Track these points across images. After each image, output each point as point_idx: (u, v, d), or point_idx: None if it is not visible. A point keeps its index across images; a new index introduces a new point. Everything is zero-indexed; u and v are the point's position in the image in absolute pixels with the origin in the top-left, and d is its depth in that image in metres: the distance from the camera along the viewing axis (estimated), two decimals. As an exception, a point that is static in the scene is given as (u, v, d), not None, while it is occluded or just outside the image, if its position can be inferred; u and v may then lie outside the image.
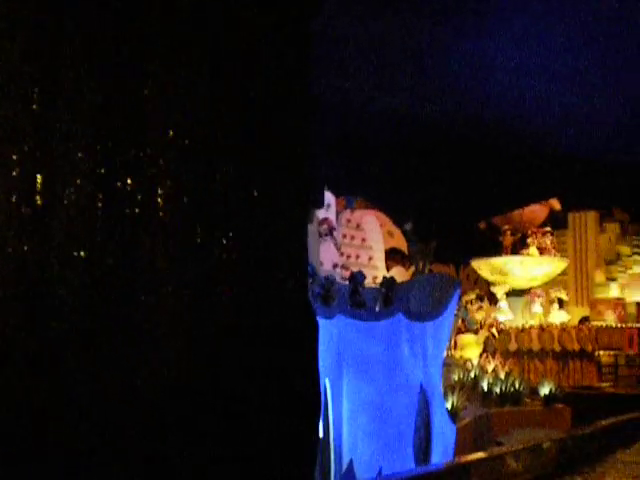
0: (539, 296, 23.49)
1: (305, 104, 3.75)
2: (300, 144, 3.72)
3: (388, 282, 8.38)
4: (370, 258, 18.78)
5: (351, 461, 7.68)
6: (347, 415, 7.77)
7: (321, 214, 14.66)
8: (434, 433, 8.76)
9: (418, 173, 26.12)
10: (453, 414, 12.15)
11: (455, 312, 19.07)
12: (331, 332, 7.65)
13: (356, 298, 7.94)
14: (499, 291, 22.95)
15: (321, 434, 7.15)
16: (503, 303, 22.66)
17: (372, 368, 8.00)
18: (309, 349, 3.46)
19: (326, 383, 7.24)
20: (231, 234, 3.31)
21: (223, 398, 3.14)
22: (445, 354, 18.02)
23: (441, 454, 8.91)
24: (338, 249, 15.34)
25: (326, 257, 14.07)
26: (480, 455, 7.06)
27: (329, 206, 15.50)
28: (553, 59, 23.73)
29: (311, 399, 3.42)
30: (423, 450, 8.71)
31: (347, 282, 9.23)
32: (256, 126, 3.46)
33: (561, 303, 23.93)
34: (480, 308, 21.56)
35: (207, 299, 3.17)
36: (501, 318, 22.16)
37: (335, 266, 14.49)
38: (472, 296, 22.25)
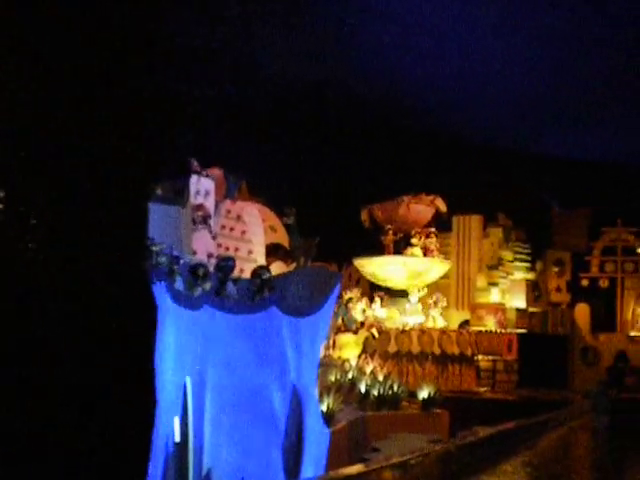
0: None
1: (139, 62, 3.20)
2: (137, 107, 3.15)
3: (262, 272, 7.75)
4: (250, 252, 18.08)
5: (212, 468, 7.02)
6: (210, 417, 7.09)
7: (197, 200, 13.95)
8: (307, 437, 8.17)
9: (304, 160, 25.65)
10: (328, 417, 11.65)
11: (335, 310, 18.68)
12: (196, 325, 6.97)
13: (225, 288, 7.28)
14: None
15: (178, 437, 6.46)
16: (411, 304, 22.39)
17: (240, 366, 7.33)
18: (143, 336, 2.90)
19: (187, 381, 6.56)
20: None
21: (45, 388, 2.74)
22: (322, 353, 17.58)
23: (314, 460, 8.35)
24: (214, 239, 14.66)
25: (200, 246, 13.34)
26: (358, 469, 6.51)
27: (208, 194, 14.79)
28: (451, 40, 23.38)
29: (145, 392, 2.96)
30: (294, 456, 8.10)
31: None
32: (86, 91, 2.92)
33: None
34: (365, 309, 21.27)
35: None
36: (410, 320, 21.95)
37: (210, 256, 13.78)
38: (353, 295, 21.96)
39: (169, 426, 6.33)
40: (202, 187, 14.79)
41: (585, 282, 30.61)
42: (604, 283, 30.47)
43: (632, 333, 28.96)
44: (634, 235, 30.36)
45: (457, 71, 25.39)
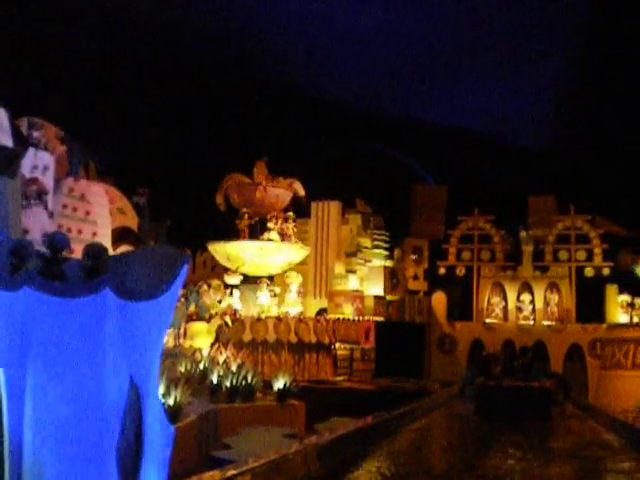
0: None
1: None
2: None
3: (94, 251, 6.89)
4: (94, 234, 17.06)
5: (34, 474, 6.16)
6: (31, 416, 6.20)
7: (34, 174, 12.84)
8: (147, 436, 7.36)
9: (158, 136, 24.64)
10: (175, 412, 10.91)
11: (186, 297, 17.90)
12: (14, 309, 6.06)
13: (53, 268, 6.40)
14: (230, 278, 21.96)
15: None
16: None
17: (67, 356, 6.46)
18: None
19: (0, 374, 5.69)
20: None
21: None
22: (172, 343, 16.77)
23: (155, 461, 7.56)
24: (51, 217, 13.58)
25: (34, 225, 12.29)
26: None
27: (46, 169, 13.68)
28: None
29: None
30: (132, 457, 7.27)
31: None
32: None
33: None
34: (220, 298, 20.52)
35: None
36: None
37: (46, 236, 12.70)
38: (209, 282, 21.20)
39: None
40: (40, 161, 13.68)
41: (442, 270, 30.94)
42: (461, 271, 30.88)
43: (487, 321, 29.46)
44: (490, 223, 30.87)
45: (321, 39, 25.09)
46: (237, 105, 28.06)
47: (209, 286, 21.11)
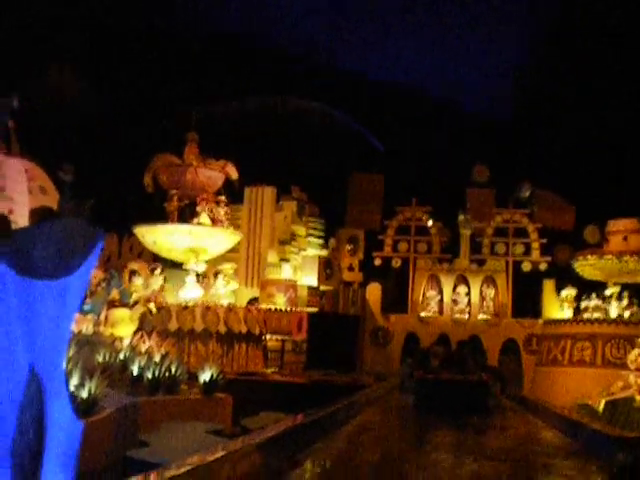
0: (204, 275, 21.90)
1: None
2: None
3: (-6, 220, 6.04)
4: (10, 211, 16.01)
5: None
6: None
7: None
8: (49, 433, 6.49)
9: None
10: (89, 405, 10.03)
11: (109, 281, 16.94)
12: None
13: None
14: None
15: None
16: (156, 279, 20.66)
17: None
18: None
19: None
20: None
21: None
22: (90, 330, 15.80)
23: (59, 460, 6.71)
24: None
25: None
26: None
27: (-46, 138, 12.63)
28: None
29: None
30: (31, 457, 6.39)
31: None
32: None
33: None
34: (145, 283, 19.65)
35: None
36: (188, 295, 20.31)
37: None
38: (135, 267, 20.30)
39: None
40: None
41: (378, 261, 30.47)
42: (397, 263, 30.45)
43: (422, 314, 29.07)
44: (428, 214, 30.48)
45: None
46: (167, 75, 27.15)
47: (142, 272, 20.19)
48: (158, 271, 20.30)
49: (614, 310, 25.00)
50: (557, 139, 32.50)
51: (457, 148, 32.46)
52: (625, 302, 25.07)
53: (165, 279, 20.99)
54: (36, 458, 6.39)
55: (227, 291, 22.04)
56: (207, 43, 29.42)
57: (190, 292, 21.06)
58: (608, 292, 25.46)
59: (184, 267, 22.04)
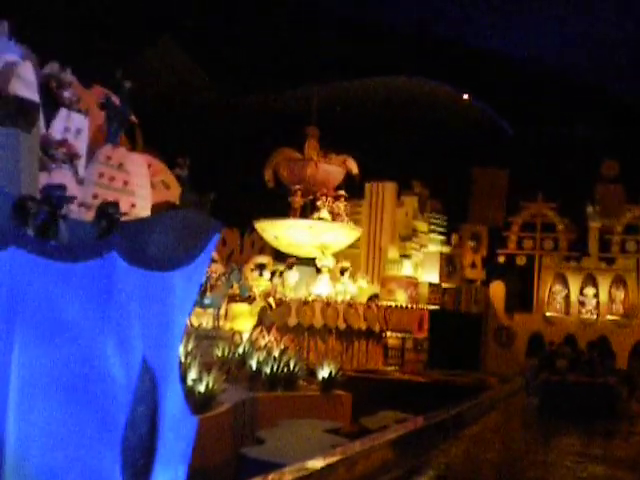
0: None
1: None
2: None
3: (108, 209, 5.92)
4: (132, 205, 16.14)
5: (20, 470, 5.25)
6: (17, 398, 5.24)
7: (64, 136, 12.01)
8: (163, 428, 6.35)
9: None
10: (206, 399, 9.96)
11: (229, 276, 16.91)
12: None
13: (50, 226, 5.46)
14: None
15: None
16: (293, 273, 20.58)
17: (63, 330, 5.47)
18: None
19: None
20: None
21: None
22: (209, 324, 15.81)
23: (173, 456, 6.57)
24: (80, 184, 12.73)
25: (58, 189, 11.46)
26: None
27: (79, 132, 12.84)
28: None
29: None
30: (143, 452, 6.25)
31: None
32: None
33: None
34: (270, 278, 19.57)
35: None
36: (319, 290, 20.20)
37: (80, 205, 11.95)
38: (262, 261, 20.28)
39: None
40: (72, 124, 12.82)
41: (502, 259, 29.70)
42: (521, 260, 29.59)
43: (548, 313, 28.13)
44: (554, 211, 29.50)
45: None
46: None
47: (258, 267, 20.16)
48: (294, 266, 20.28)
49: None
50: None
51: (587, 142, 31.22)
52: None
53: (290, 275, 20.91)
54: (148, 454, 6.25)
55: (356, 288, 21.78)
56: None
57: (321, 288, 20.88)
58: None
59: (315, 262, 21.83)
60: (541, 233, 29.61)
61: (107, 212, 6.12)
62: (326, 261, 21.39)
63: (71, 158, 11.90)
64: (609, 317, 27.60)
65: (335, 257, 22.34)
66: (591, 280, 28.30)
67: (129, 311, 5.98)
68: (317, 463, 5.53)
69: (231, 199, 26.57)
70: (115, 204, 6.38)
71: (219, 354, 13.29)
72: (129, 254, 6.01)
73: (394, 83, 30.24)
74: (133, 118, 18.13)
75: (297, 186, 21.60)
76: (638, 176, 28.73)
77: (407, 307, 24.41)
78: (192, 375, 10.13)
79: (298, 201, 21.56)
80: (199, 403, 9.79)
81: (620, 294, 27.85)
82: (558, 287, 28.57)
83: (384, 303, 23.39)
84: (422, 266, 26.69)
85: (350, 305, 20.76)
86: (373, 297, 24.11)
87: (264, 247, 25.65)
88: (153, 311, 6.24)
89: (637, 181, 28.77)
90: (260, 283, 19.06)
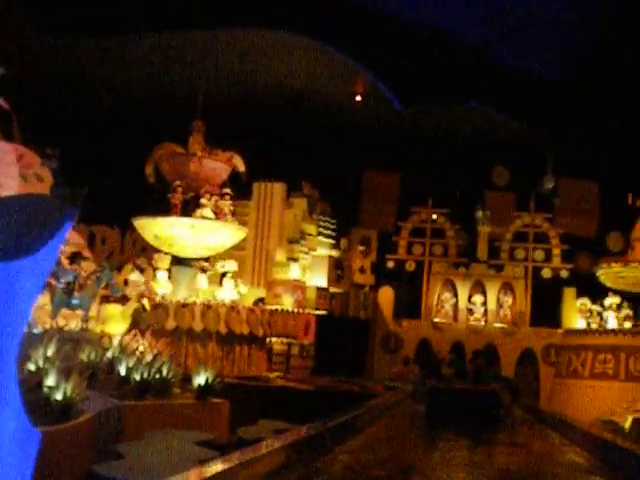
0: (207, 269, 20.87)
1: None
2: None
3: None
4: (-4, 197, 15.14)
5: None
6: None
7: None
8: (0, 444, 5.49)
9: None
10: (64, 409, 9.07)
11: (99, 275, 15.97)
12: None
13: None
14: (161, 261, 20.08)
15: None
16: (162, 273, 19.80)
17: None
18: None
19: None
20: None
21: None
22: (76, 325, 14.82)
23: (10, 477, 5.71)
24: None
25: None
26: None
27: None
28: None
29: None
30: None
31: None
32: None
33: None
34: (145, 279, 18.77)
35: None
36: (160, 291, 19.33)
37: None
38: (140, 262, 19.47)
39: None
40: None
41: (391, 264, 29.50)
42: (410, 266, 29.48)
43: (436, 320, 28.04)
44: (445, 216, 29.49)
45: None
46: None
47: (138, 268, 19.31)
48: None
49: (612, 320, 24.41)
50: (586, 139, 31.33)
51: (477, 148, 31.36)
52: (624, 313, 24.50)
53: (166, 275, 20.13)
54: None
55: (236, 294, 21.05)
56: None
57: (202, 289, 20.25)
58: (607, 302, 24.83)
59: (190, 263, 21.08)
60: (431, 239, 29.58)
61: None
62: (207, 264, 20.76)
63: None
64: (497, 325, 27.70)
65: (219, 258, 21.59)
66: (480, 287, 28.38)
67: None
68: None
69: (113, 196, 25.52)
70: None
71: (85, 359, 12.35)
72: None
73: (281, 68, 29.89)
74: (3, 103, 17.03)
75: (178, 182, 20.69)
76: (528, 184, 29.01)
77: (293, 312, 23.84)
78: (49, 382, 9.24)
79: (179, 197, 20.65)
80: (56, 413, 8.93)
81: (508, 301, 28.02)
82: (447, 294, 28.55)
83: (269, 307, 22.75)
84: (310, 270, 26.16)
85: (232, 308, 20.00)
86: (258, 301, 23.45)
87: (146, 247, 24.64)
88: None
89: (527, 189, 29.05)
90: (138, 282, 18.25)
